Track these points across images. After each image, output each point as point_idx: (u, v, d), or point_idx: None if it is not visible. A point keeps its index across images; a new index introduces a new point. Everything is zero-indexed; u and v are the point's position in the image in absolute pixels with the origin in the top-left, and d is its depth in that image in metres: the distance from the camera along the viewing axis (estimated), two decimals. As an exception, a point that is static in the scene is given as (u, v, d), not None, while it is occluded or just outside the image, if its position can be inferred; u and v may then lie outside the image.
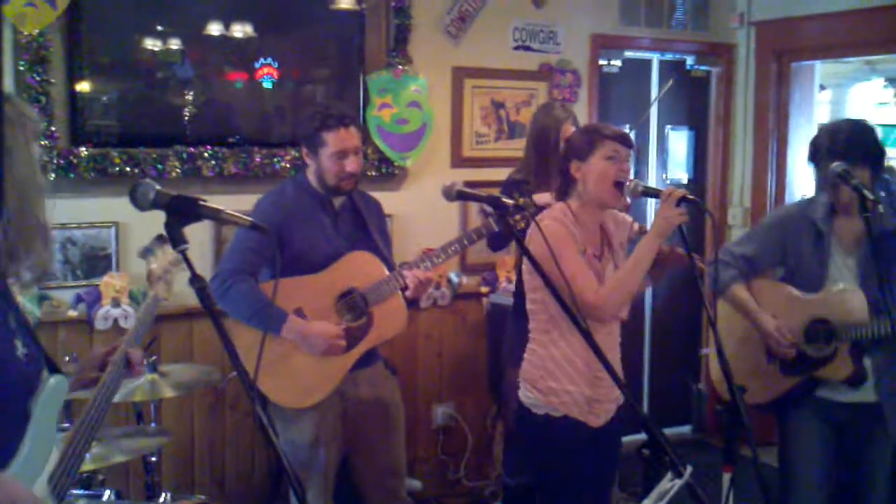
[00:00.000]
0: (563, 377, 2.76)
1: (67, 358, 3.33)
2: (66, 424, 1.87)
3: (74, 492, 2.89)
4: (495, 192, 2.75)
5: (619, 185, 2.72)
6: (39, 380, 1.74)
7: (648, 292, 5.39)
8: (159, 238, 2.20)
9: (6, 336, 1.69)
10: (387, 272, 3.11)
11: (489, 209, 2.78)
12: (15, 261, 1.67)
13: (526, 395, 2.85)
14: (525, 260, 2.73)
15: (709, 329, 5.30)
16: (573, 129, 3.60)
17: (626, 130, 3.26)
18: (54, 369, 1.80)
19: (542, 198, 3.50)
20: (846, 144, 2.87)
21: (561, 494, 2.81)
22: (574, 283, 2.56)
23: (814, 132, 5.32)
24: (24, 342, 1.73)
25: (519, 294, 3.75)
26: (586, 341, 2.23)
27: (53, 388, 1.74)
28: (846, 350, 2.97)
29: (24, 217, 1.66)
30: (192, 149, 3.90)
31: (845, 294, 2.97)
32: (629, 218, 3.07)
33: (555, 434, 2.78)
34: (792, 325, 3.06)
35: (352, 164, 3.07)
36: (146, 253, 2.19)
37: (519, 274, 3.84)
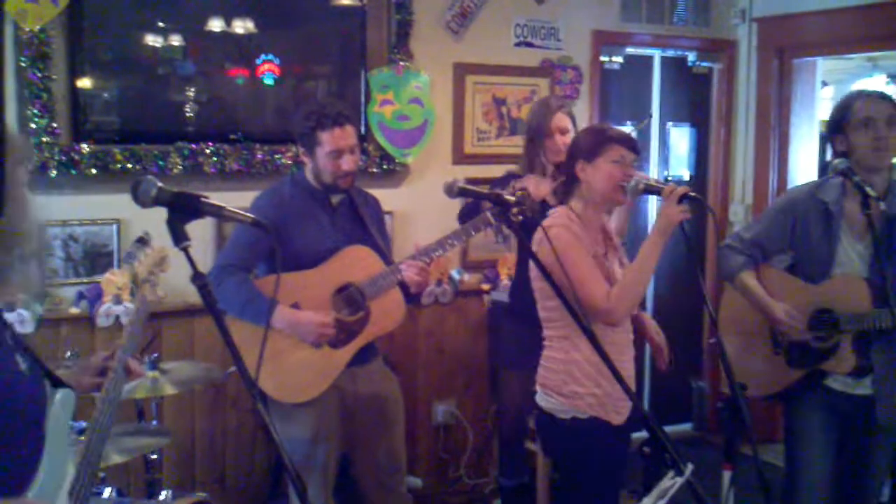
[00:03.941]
0: (587, 380, 2.73)
1: (69, 353, 3.34)
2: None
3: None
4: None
5: (623, 188, 2.73)
6: (45, 393, 1.73)
7: (651, 290, 5.39)
8: (140, 241, 2.21)
9: (7, 352, 1.68)
10: (384, 266, 3.11)
11: (490, 205, 2.78)
12: (7, 284, 1.65)
13: (548, 400, 2.81)
14: (533, 267, 2.73)
15: (711, 325, 5.31)
16: (567, 118, 3.57)
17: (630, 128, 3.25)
18: (56, 382, 1.79)
19: (540, 189, 3.47)
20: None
21: (594, 494, 2.79)
22: (584, 289, 2.56)
23: (816, 129, 5.37)
24: (23, 357, 1.72)
25: (517, 296, 3.71)
26: (593, 346, 2.23)
27: (61, 404, 1.74)
28: (849, 341, 2.95)
29: (13, 240, 1.64)
30: (193, 145, 3.89)
31: (846, 282, 2.95)
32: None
33: (584, 435, 2.75)
34: None
35: (348, 163, 3.06)
36: (129, 258, 2.19)
37: (516, 276, 3.80)
